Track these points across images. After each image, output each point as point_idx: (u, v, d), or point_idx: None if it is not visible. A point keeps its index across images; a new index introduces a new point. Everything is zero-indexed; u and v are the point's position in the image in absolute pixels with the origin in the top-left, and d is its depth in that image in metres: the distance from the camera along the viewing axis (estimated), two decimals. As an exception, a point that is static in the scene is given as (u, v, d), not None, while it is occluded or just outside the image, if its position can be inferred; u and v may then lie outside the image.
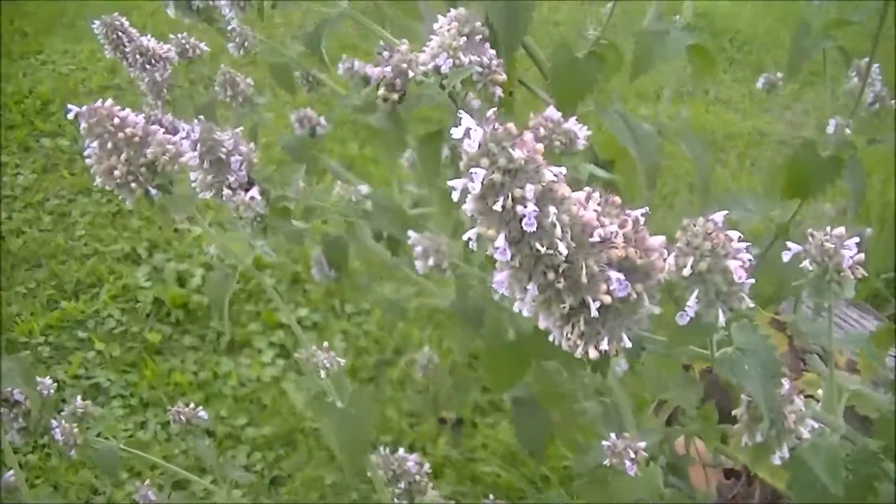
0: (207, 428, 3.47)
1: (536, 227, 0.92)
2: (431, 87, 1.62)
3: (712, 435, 2.02)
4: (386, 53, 1.70)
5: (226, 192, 1.75)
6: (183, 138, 1.57)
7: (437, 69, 1.61)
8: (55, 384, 2.03)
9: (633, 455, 1.62)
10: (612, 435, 1.65)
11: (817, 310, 2.14)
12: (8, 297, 4.01)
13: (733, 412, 1.28)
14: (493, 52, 1.66)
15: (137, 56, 2.23)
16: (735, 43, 6.88)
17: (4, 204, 4.58)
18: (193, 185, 1.80)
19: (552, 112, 1.63)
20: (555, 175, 0.94)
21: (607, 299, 0.96)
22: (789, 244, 1.23)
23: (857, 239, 1.22)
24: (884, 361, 2.14)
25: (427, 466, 1.96)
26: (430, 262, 2.07)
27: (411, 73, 1.65)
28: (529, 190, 0.92)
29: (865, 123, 2.29)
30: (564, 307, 0.98)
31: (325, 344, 1.76)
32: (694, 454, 2.57)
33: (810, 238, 1.22)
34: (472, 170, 0.93)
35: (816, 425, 1.27)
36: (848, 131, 2.04)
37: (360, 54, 4.69)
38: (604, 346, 0.99)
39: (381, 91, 1.72)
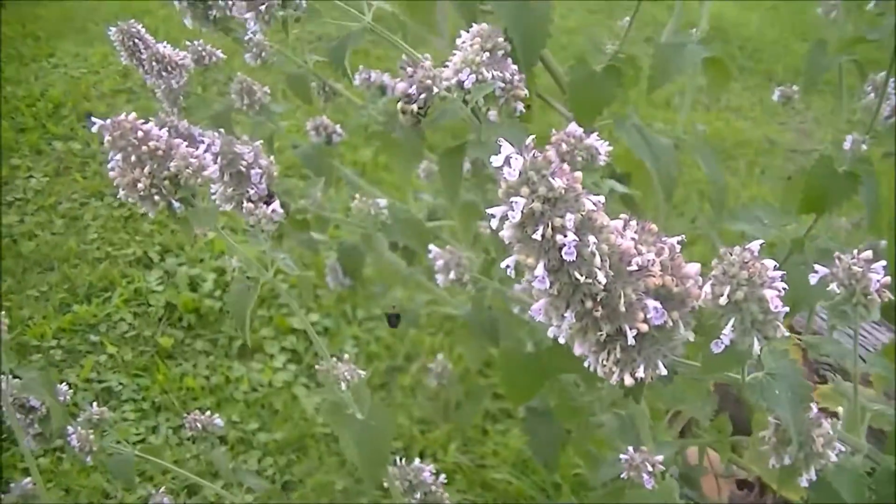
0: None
1: (576, 256, 0.93)
2: (454, 102, 1.63)
3: (726, 446, 2.03)
4: (409, 69, 1.70)
5: (246, 204, 1.76)
6: (205, 151, 1.57)
7: (460, 84, 1.62)
8: (68, 388, 2.05)
9: (650, 468, 1.63)
10: (630, 448, 1.65)
11: (832, 326, 2.15)
12: (20, 301, 4.01)
13: (760, 434, 1.28)
14: (514, 67, 1.67)
15: (153, 63, 2.23)
16: (745, 51, 6.89)
17: (17, 207, 4.59)
18: (214, 197, 1.81)
19: (574, 128, 1.63)
20: (594, 204, 0.95)
21: (644, 328, 0.97)
22: (817, 267, 1.23)
23: (884, 262, 1.23)
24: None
25: (442, 476, 1.97)
26: (452, 275, 2.08)
27: (435, 89, 1.66)
28: (569, 219, 0.92)
29: (881, 136, 2.30)
30: (601, 335, 0.98)
31: (346, 356, 1.77)
32: (706, 465, 2.58)
33: (837, 261, 1.23)
34: (512, 198, 0.93)
35: (843, 448, 1.27)
36: (864, 147, 2.05)
37: (371, 60, 4.71)
38: (640, 373, 1.00)
39: (400, 105, 1.73)
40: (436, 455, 3.55)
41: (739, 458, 2.25)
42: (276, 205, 1.72)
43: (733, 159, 5.57)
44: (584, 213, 0.94)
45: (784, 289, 0.99)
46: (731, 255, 1.00)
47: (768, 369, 1.11)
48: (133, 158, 1.44)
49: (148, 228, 4.51)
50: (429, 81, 1.66)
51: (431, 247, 2.10)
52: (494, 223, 0.96)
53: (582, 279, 0.94)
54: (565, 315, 0.97)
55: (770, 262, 1.00)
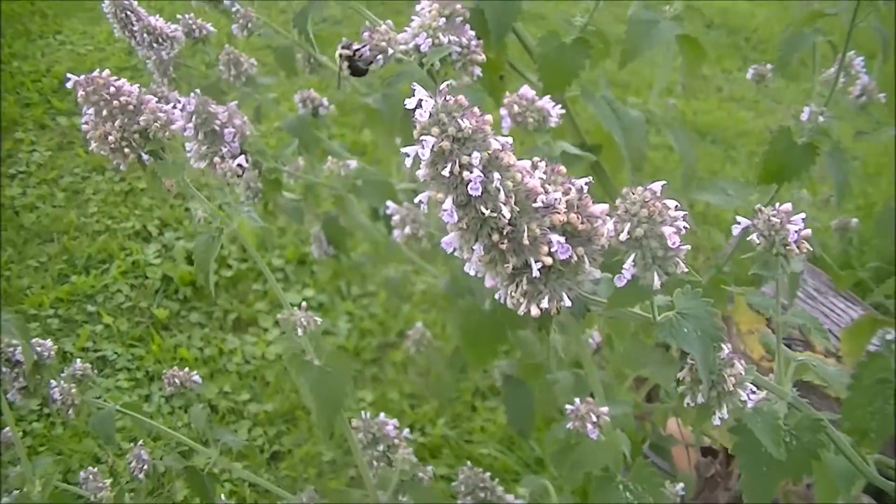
0: (210, 402, 3.55)
1: (481, 192, 0.99)
2: (411, 65, 1.69)
3: (689, 412, 2.07)
4: (367, 34, 1.76)
5: (216, 159, 1.82)
6: (176, 108, 1.64)
7: (417, 48, 1.68)
8: (63, 356, 2.07)
9: (595, 419, 1.67)
10: (577, 399, 1.70)
11: (795, 294, 2.20)
12: (20, 271, 4.07)
13: (679, 375, 1.33)
14: (472, 33, 1.72)
15: (145, 35, 2.28)
16: (750, 42, 6.91)
17: (19, 180, 4.64)
18: (189, 154, 1.87)
19: (526, 90, 1.69)
20: (501, 144, 1.01)
21: (548, 261, 1.02)
22: (739, 218, 1.28)
23: (803, 214, 1.28)
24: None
25: (406, 431, 2.01)
26: (407, 230, 2.13)
27: (391, 50, 1.72)
28: (475, 157, 0.98)
29: (855, 117, 2.34)
30: (508, 267, 1.04)
31: (303, 303, 1.82)
32: (678, 435, 2.62)
33: (758, 213, 1.28)
34: (423, 138, 0.99)
35: (755, 388, 1.32)
36: (822, 119, 2.08)
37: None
38: (545, 304, 1.05)
39: (337, 51, 1.79)
40: (424, 429, 3.61)
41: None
42: (241, 159, 1.78)
43: (734, 149, 5.60)
44: (490, 153, 0.99)
45: (685, 227, 1.04)
46: (634, 194, 1.05)
47: (679, 309, 1.16)
48: (105, 113, 1.52)
49: (147, 203, 4.56)
50: (384, 44, 1.72)
51: (389, 203, 2.15)
52: (408, 162, 1.02)
53: (487, 213, 0.99)
54: (474, 248, 1.03)
55: (671, 202, 1.05)
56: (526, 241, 1.01)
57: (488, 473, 2.21)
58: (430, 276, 2.95)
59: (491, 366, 3.32)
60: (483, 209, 0.99)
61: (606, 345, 2.43)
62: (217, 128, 1.86)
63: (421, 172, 1.02)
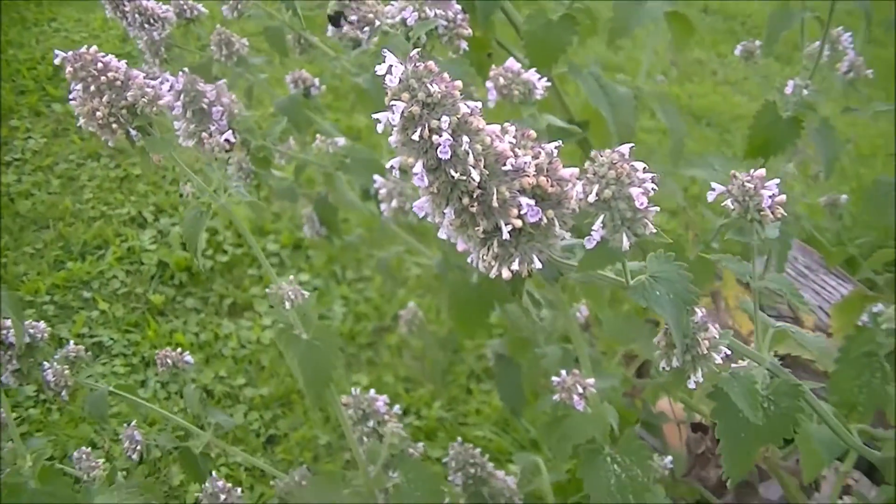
0: (206, 387, 3.56)
1: (451, 156, 1.00)
2: (397, 37, 1.70)
3: (677, 387, 2.08)
4: (354, 4, 1.77)
5: (204, 135, 1.83)
6: (164, 86, 1.65)
7: (403, 21, 1.69)
8: (59, 342, 2.06)
9: (581, 390, 1.68)
10: (563, 371, 1.71)
11: (777, 262, 2.21)
12: (16, 258, 4.07)
13: (654, 340, 1.34)
14: (458, 7, 1.74)
15: (136, 15, 2.29)
16: (746, 26, 6.91)
17: (15, 167, 4.63)
18: (177, 133, 1.88)
19: (512, 63, 1.70)
20: (470, 109, 1.02)
21: (518, 223, 1.04)
22: (713, 184, 1.29)
23: (777, 180, 1.28)
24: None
25: (397, 407, 2.02)
26: (394, 203, 2.14)
27: (377, 22, 1.73)
28: (445, 121, 0.99)
29: (845, 94, 2.34)
30: (479, 230, 1.05)
31: (292, 277, 1.84)
32: (669, 412, 2.64)
33: (733, 179, 1.29)
34: (393, 103, 1.01)
35: (730, 351, 1.32)
36: (806, 92, 2.09)
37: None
38: (515, 266, 1.06)
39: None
40: (419, 412, 3.62)
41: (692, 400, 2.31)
42: (229, 134, 1.80)
43: (729, 132, 5.60)
44: (459, 117, 1.00)
45: (653, 189, 1.05)
46: (602, 156, 1.06)
47: (652, 272, 1.17)
48: (93, 88, 1.54)
49: (143, 189, 4.56)
50: (371, 15, 1.73)
51: (376, 177, 2.16)
52: (380, 128, 1.03)
53: (457, 176, 1.00)
54: (445, 211, 1.04)
55: (640, 164, 1.06)
56: (496, 204, 1.02)
57: (478, 449, 2.21)
58: (424, 258, 2.96)
59: (482, 341, 3.33)
60: (453, 172, 1.00)
61: (595, 321, 2.44)
62: (205, 106, 1.87)
63: (392, 139, 1.03)
